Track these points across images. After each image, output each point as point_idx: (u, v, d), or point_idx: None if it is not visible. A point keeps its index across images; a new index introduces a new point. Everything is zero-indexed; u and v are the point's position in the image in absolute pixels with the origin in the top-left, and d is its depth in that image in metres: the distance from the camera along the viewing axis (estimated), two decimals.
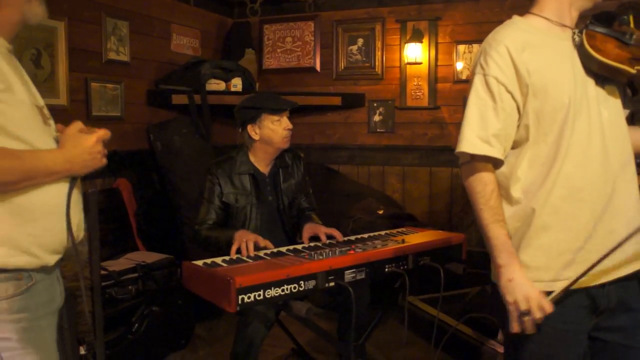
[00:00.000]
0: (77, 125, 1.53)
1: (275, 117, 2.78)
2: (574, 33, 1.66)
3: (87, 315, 1.77)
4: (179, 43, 4.80)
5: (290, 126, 2.82)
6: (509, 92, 1.62)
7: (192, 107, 4.53)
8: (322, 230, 2.72)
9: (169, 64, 4.66)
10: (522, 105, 1.64)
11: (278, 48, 5.34)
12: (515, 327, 1.55)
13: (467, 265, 3.47)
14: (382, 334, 3.65)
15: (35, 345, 1.48)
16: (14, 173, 1.38)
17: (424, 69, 4.82)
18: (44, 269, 1.51)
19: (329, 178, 4.99)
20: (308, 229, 2.78)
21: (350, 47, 5.08)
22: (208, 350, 3.66)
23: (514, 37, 1.64)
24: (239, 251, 2.48)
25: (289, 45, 5.30)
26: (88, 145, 1.50)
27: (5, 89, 1.41)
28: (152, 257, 3.67)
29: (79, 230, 1.60)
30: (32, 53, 3.47)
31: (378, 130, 5.04)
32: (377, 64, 4.99)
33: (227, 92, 4.66)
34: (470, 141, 1.65)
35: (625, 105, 1.73)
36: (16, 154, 1.40)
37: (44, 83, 3.57)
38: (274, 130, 2.78)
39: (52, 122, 1.58)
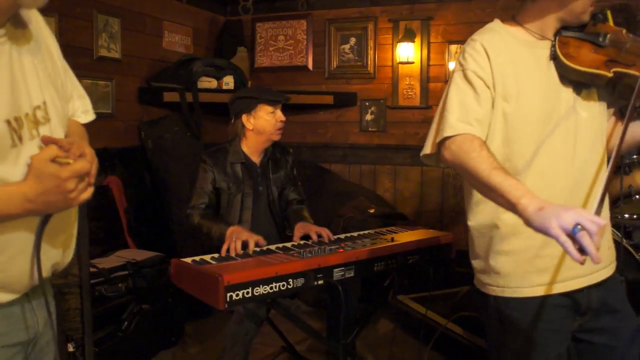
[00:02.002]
0: (50, 151, 1.15)
1: (271, 109, 2.86)
2: (552, 45, 1.65)
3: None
4: (171, 40, 4.79)
5: (284, 118, 2.91)
6: (487, 87, 1.61)
7: (183, 104, 4.51)
8: (313, 230, 2.73)
9: (160, 62, 4.65)
10: (494, 104, 1.63)
11: (270, 46, 5.33)
12: (578, 257, 1.23)
13: (457, 265, 3.47)
14: (372, 332, 3.66)
15: None
16: None
17: (416, 68, 4.83)
18: None
19: (320, 177, 4.99)
20: (299, 228, 2.79)
21: (343, 46, 5.09)
22: (198, 348, 3.66)
23: (492, 40, 1.65)
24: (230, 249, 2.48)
25: (281, 43, 5.29)
26: (55, 183, 1.13)
27: None
28: (142, 254, 3.66)
29: (60, 264, 1.38)
30: None
31: (370, 129, 5.05)
32: (369, 63, 5.00)
33: (218, 90, 4.64)
34: (452, 125, 1.60)
35: (609, 105, 1.74)
36: None
37: None
38: (268, 121, 2.86)
39: (35, 132, 1.23)
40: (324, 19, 5.13)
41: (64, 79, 1.39)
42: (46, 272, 1.30)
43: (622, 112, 1.76)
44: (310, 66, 5.20)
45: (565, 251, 1.26)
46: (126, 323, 3.26)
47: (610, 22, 1.67)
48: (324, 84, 5.17)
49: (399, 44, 4.79)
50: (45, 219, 1.21)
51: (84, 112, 1.47)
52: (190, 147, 4.54)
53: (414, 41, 4.76)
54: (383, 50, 4.97)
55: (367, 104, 5.03)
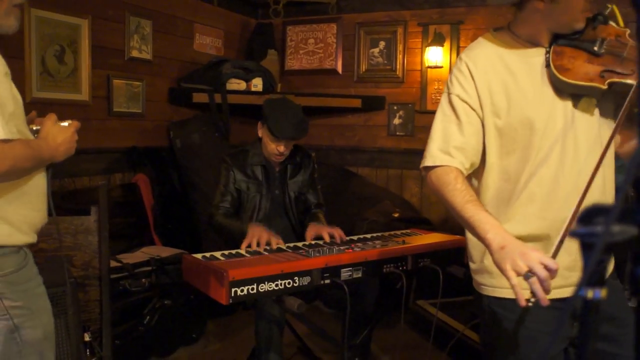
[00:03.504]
0: (53, 117, 1.69)
1: (272, 135, 2.80)
2: (547, 52, 1.63)
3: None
4: (202, 42, 4.88)
5: (282, 150, 2.83)
6: (472, 109, 1.64)
7: (212, 105, 4.59)
8: (325, 230, 2.74)
9: (191, 63, 4.74)
10: (484, 122, 1.65)
11: (300, 49, 5.38)
12: (522, 301, 1.34)
13: (468, 269, 3.42)
14: (389, 336, 3.64)
15: (37, 308, 1.68)
16: (30, 160, 1.55)
17: (444, 72, 4.78)
18: (29, 246, 1.69)
19: (347, 180, 4.99)
20: (311, 229, 2.80)
21: (372, 50, 5.09)
22: (218, 345, 3.69)
23: (479, 56, 1.66)
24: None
25: (311, 46, 5.33)
26: (68, 135, 1.68)
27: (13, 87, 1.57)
28: (167, 251, 3.74)
29: None
30: (55, 49, 3.58)
31: (397, 133, 5.03)
32: (398, 67, 4.99)
33: (247, 91, 4.71)
34: (432, 154, 1.67)
35: (613, 112, 1.70)
36: (29, 143, 1.57)
37: (66, 79, 3.68)
38: (268, 142, 2.85)
39: None
40: (354, 22, 5.14)
41: None
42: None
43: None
44: (339, 69, 5.22)
45: (514, 294, 1.36)
46: (148, 318, 3.32)
47: (619, 18, 1.60)
48: (353, 88, 5.18)
49: (428, 48, 4.76)
50: (48, 169, 1.70)
51: None
52: (217, 147, 4.60)
53: (443, 45, 4.73)
54: (412, 55, 4.95)
55: (395, 108, 5.02)
